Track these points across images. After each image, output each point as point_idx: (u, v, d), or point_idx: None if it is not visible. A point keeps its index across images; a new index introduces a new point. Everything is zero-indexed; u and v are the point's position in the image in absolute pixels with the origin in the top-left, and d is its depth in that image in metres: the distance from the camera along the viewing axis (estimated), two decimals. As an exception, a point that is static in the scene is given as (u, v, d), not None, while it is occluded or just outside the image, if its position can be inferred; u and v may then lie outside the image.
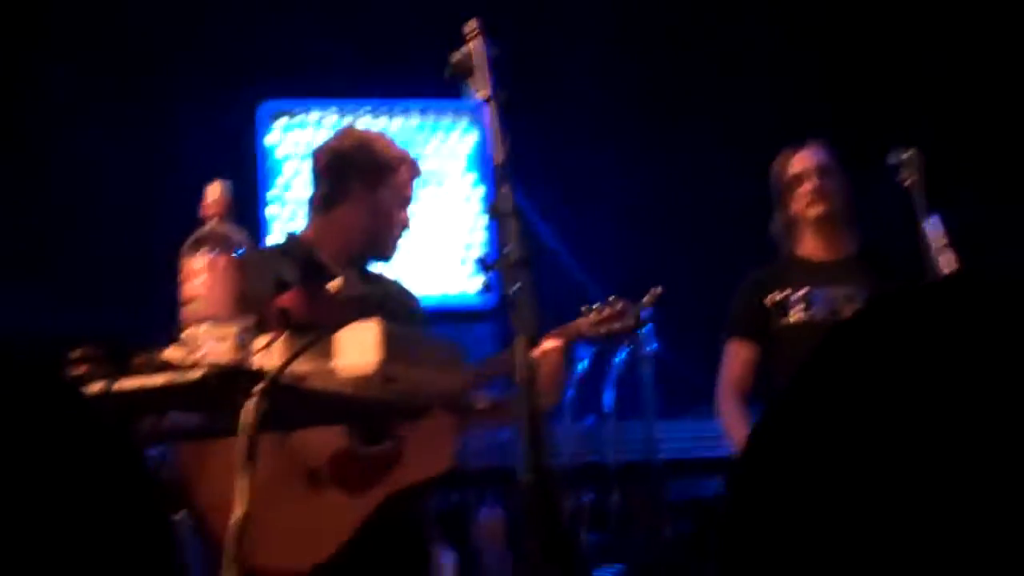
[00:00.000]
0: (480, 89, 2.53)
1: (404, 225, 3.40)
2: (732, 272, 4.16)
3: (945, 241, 3.52)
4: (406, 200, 3.42)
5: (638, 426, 5.30)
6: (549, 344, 3.20)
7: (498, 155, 2.40)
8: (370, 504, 2.90)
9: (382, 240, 3.39)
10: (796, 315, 4.02)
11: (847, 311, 4.00)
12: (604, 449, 5.21)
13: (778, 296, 4.04)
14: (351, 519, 2.89)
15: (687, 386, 4.65)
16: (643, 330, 3.77)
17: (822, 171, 4.06)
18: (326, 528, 2.87)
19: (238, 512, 1.98)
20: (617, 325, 3.46)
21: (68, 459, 1.42)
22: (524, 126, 2.50)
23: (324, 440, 2.91)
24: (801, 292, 4.04)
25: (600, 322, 3.44)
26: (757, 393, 4.13)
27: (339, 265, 3.26)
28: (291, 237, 3.43)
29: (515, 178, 2.34)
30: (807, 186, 4.05)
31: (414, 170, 3.44)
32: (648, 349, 4.49)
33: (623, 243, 5.71)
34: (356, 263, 3.36)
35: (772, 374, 4.16)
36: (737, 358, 4.15)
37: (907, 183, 3.67)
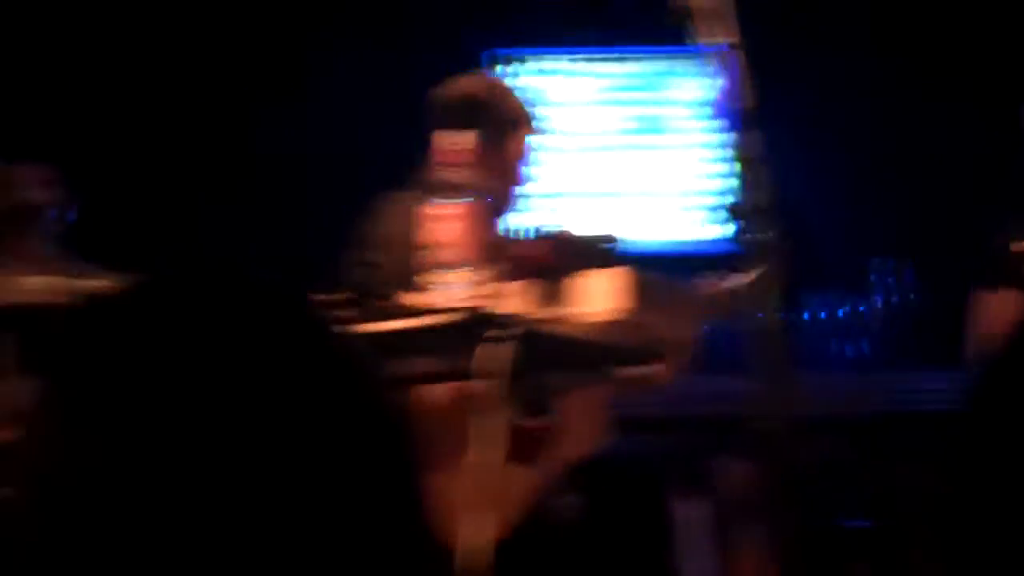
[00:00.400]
0: (722, 34, 2.49)
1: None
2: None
3: None
4: (526, 157, 3.07)
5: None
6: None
7: (746, 100, 2.37)
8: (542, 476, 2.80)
9: (502, 195, 3.18)
10: None
11: None
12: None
13: None
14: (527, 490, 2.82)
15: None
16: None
17: None
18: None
19: (496, 454, 2.01)
20: None
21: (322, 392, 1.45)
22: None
23: None
24: None
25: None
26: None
27: None
28: None
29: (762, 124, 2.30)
30: None
31: (536, 126, 3.17)
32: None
33: (873, 195, 5.60)
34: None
35: None
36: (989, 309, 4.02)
37: None
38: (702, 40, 2.47)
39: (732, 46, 2.43)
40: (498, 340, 2.01)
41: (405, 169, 2.63)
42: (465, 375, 2.42)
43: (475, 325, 2.03)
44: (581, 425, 2.76)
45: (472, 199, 2.14)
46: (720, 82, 2.43)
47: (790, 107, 5.06)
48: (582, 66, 6.41)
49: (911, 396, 4.89)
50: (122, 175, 5.37)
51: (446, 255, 2.14)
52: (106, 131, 5.41)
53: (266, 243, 5.24)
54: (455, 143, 2.22)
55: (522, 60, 6.44)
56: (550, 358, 2.30)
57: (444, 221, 2.16)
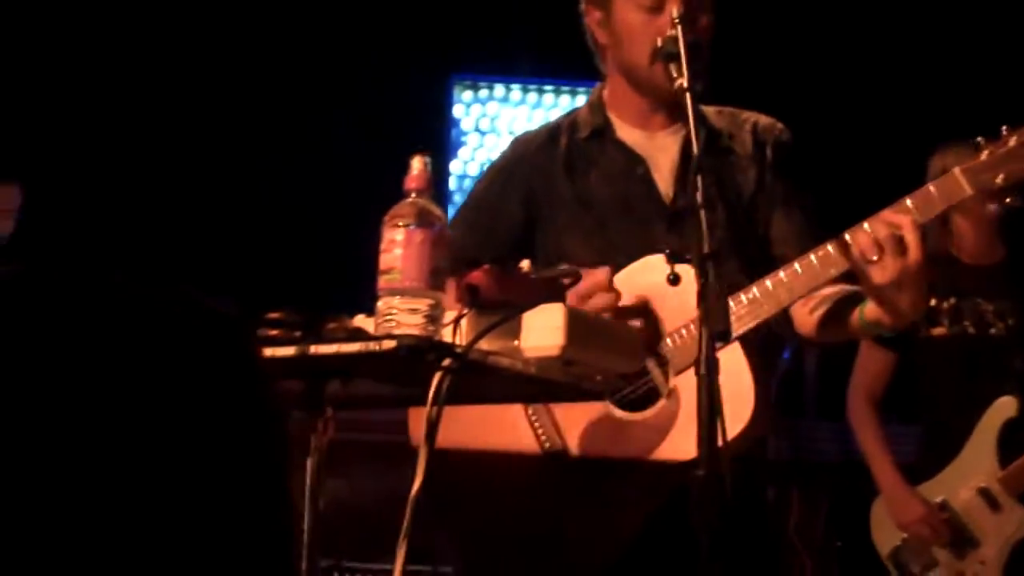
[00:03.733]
0: (679, 77, 2.52)
1: (661, 34, 2.62)
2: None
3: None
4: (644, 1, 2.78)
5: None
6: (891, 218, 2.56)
7: (694, 146, 2.40)
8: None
9: (636, 71, 2.83)
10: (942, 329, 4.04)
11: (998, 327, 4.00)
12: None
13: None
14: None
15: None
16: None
17: None
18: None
19: (415, 486, 2.05)
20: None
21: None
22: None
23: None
24: (949, 303, 4.02)
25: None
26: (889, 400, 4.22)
27: (637, 118, 2.92)
28: (589, 103, 3.03)
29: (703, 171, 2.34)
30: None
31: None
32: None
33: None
34: (662, 110, 2.90)
35: (919, 386, 4.22)
36: (873, 363, 4.21)
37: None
38: (675, 81, 2.51)
39: (684, 89, 2.47)
40: (433, 368, 2.06)
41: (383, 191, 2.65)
42: (410, 401, 2.46)
43: (420, 352, 2.08)
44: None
45: (426, 226, 2.18)
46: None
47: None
48: (547, 97, 6.47)
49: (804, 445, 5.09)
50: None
51: (399, 280, 2.17)
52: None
53: (234, 260, 5.27)
54: (411, 167, 2.25)
55: (489, 87, 6.50)
56: (482, 388, 2.34)
57: (398, 246, 2.19)
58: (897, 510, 4.13)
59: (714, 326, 2.15)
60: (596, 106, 2.97)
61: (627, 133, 2.93)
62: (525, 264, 2.42)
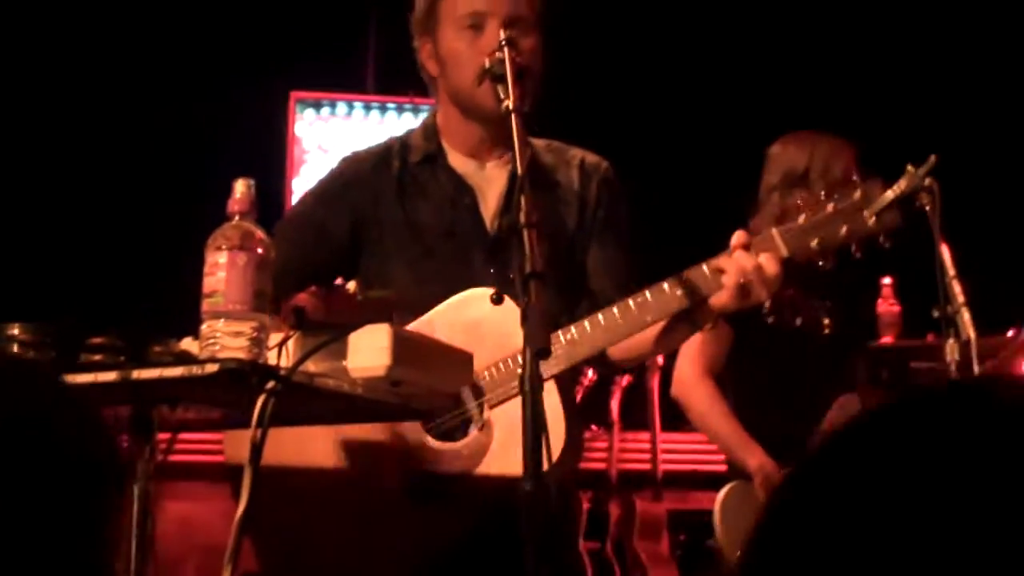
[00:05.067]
0: (506, 98, 2.55)
1: (485, 56, 2.62)
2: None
3: (953, 272, 3.57)
4: (463, 20, 2.83)
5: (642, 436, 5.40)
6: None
7: (518, 165, 2.43)
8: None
9: (463, 95, 2.86)
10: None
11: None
12: (607, 458, 5.30)
13: None
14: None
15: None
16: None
17: None
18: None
19: (240, 508, 2.05)
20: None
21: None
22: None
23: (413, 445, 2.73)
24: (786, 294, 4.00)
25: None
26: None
27: (468, 147, 2.95)
28: (423, 127, 3.05)
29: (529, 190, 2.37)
30: None
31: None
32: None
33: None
34: (492, 139, 2.92)
35: (748, 370, 4.07)
36: (717, 337, 3.97)
37: (926, 208, 3.67)
38: (502, 103, 2.54)
39: (510, 111, 2.50)
40: (257, 391, 2.06)
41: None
42: (240, 423, 2.45)
43: (243, 375, 2.07)
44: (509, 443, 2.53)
45: (249, 248, 2.17)
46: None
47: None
48: (389, 115, 6.48)
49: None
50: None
51: (223, 303, 2.16)
52: None
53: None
54: (234, 190, 2.25)
55: (331, 104, 6.49)
56: (309, 410, 2.35)
57: (220, 269, 2.19)
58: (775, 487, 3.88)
59: (536, 344, 2.18)
60: (430, 131, 3.00)
61: (458, 161, 2.97)
62: (351, 285, 2.44)
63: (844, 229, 2.56)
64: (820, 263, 2.62)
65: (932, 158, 2.59)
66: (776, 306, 3.94)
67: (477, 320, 2.65)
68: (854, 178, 2.64)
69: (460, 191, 2.94)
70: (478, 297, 2.64)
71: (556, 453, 2.52)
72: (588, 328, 2.69)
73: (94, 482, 1.32)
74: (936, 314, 3.63)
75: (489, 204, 2.93)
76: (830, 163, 3.90)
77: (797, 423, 3.83)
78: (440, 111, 3.00)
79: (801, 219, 2.60)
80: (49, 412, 1.30)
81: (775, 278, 2.56)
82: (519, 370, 2.48)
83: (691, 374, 4.03)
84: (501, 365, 2.69)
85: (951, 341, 3.59)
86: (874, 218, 2.55)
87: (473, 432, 2.65)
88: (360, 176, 3.00)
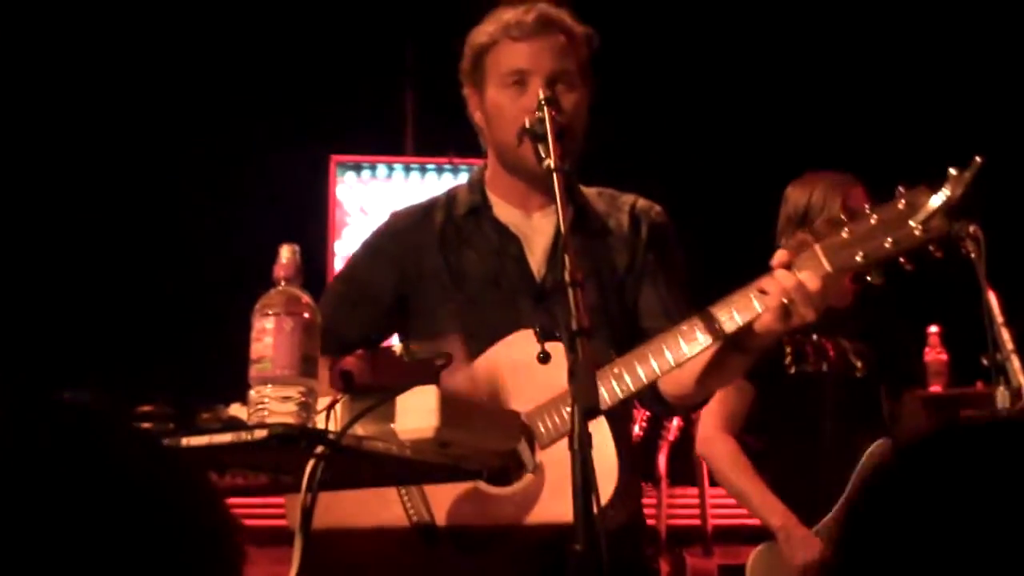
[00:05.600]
0: (547, 157, 2.56)
1: (527, 114, 2.63)
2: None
3: (1001, 319, 3.55)
4: (506, 77, 2.84)
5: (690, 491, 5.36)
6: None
7: (562, 224, 2.44)
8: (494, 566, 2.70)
9: (506, 151, 2.87)
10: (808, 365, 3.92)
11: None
12: (656, 513, 5.26)
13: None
14: None
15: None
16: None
17: None
18: None
19: (293, 572, 2.05)
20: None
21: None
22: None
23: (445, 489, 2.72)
24: (812, 340, 3.96)
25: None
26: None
27: (514, 198, 2.96)
28: (470, 181, 3.09)
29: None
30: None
31: (518, 30, 2.84)
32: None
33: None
34: (537, 192, 2.92)
35: (774, 425, 4.01)
36: (733, 394, 3.91)
37: (971, 256, 3.65)
38: (543, 162, 2.55)
39: (551, 169, 2.51)
40: (306, 455, 2.06)
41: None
42: (289, 488, 2.45)
43: (292, 440, 2.08)
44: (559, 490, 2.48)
45: (295, 314, 2.18)
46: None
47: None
48: (430, 176, 6.52)
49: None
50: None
51: (270, 369, 2.17)
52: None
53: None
54: (279, 255, 2.26)
55: (371, 167, 6.53)
56: (359, 473, 2.35)
57: (268, 335, 2.19)
58: (798, 549, 3.77)
59: (585, 402, 2.17)
60: (476, 184, 3.01)
61: (504, 212, 2.97)
62: (397, 347, 2.44)
63: (889, 240, 2.48)
64: (869, 278, 2.56)
65: (977, 160, 2.50)
66: (798, 352, 3.92)
67: (523, 360, 2.63)
68: (866, 208, 2.56)
69: (506, 241, 2.94)
70: (526, 337, 2.63)
71: (610, 491, 2.52)
72: (634, 360, 2.66)
73: (213, 548, 1.30)
74: (985, 362, 3.61)
75: (536, 253, 2.93)
76: (828, 200, 3.86)
77: (827, 473, 3.81)
78: (489, 162, 3.02)
79: (844, 233, 2.54)
80: (165, 479, 1.28)
81: (818, 295, 2.49)
82: (566, 409, 2.49)
83: (712, 432, 3.99)
84: (554, 411, 2.68)
85: (1001, 388, 3.57)
86: (920, 227, 2.47)
87: (527, 476, 2.63)
88: (403, 230, 3.03)
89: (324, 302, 2.93)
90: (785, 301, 2.50)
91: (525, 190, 2.95)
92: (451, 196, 3.05)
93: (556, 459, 2.56)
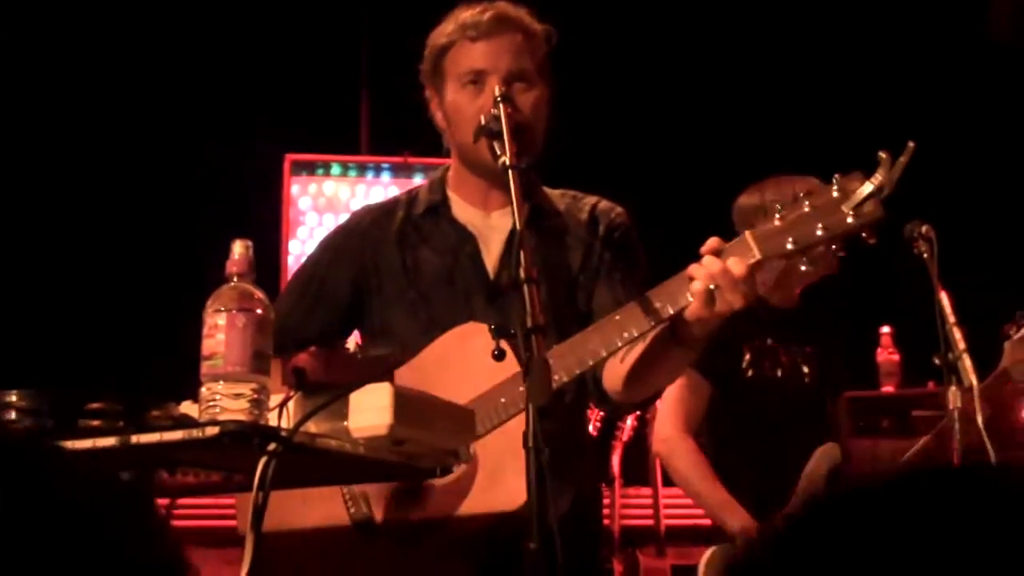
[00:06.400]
0: (503, 154, 2.56)
1: (484, 112, 2.67)
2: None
3: (953, 319, 3.57)
4: (464, 76, 2.85)
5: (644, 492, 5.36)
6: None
7: (517, 221, 2.43)
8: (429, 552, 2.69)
9: (465, 150, 2.88)
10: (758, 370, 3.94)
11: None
12: (610, 513, 5.26)
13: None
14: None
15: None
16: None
17: None
18: None
19: (243, 572, 2.03)
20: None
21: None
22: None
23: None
24: (766, 343, 3.97)
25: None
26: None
27: (474, 197, 2.96)
28: (431, 180, 3.08)
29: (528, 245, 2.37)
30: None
31: (474, 30, 2.84)
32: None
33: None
34: (497, 190, 2.91)
35: (729, 427, 4.01)
36: (690, 392, 3.92)
37: (923, 256, 3.66)
38: (499, 159, 2.55)
39: (507, 166, 2.51)
40: (258, 453, 2.04)
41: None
42: (241, 487, 2.42)
43: (244, 437, 2.06)
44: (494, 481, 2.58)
45: (247, 310, 2.16)
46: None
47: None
48: (384, 175, 6.49)
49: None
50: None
51: (222, 366, 2.15)
52: None
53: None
54: (232, 251, 2.24)
55: (326, 166, 6.50)
56: (311, 471, 2.33)
57: (220, 331, 2.17)
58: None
59: (539, 400, 2.17)
60: (437, 184, 3.02)
61: (463, 211, 2.97)
62: (350, 344, 2.42)
63: (820, 227, 2.44)
64: (804, 268, 2.52)
65: (910, 144, 2.44)
66: (755, 357, 3.93)
67: (470, 351, 2.62)
68: (800, 195, 2.51)
69: (462, 239, 2.94)
70: (476, 329, 2.61)
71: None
72: (572, 348, 2.62)
73: None
74: (937, 362, 3.62)
75: (492, 251, 2.93)
76: (782, 192, 3.85)
77: (779, 477, 3.80)
78: (452, 162, 3.01)
79: (776, 221, 2.48)
80: (113, 513, 1.26)
81: (744, 281, 2.44)
82: (502, 399, 2.55)
83: (670, 431, 3.97)
84: (488, 402, 2.65)
85: (953, 388, 3.59)
86: (852, 213, 2.41)
87: (462, 466, 2.59)
88: (363, 228, 3.03)
89: (282, 300, 2.94)
90: (711, 287, 2.46)
91: (486, 189, 2.95)
92: (412, 195, 3.06)
93: (488, 449, 2.56)
